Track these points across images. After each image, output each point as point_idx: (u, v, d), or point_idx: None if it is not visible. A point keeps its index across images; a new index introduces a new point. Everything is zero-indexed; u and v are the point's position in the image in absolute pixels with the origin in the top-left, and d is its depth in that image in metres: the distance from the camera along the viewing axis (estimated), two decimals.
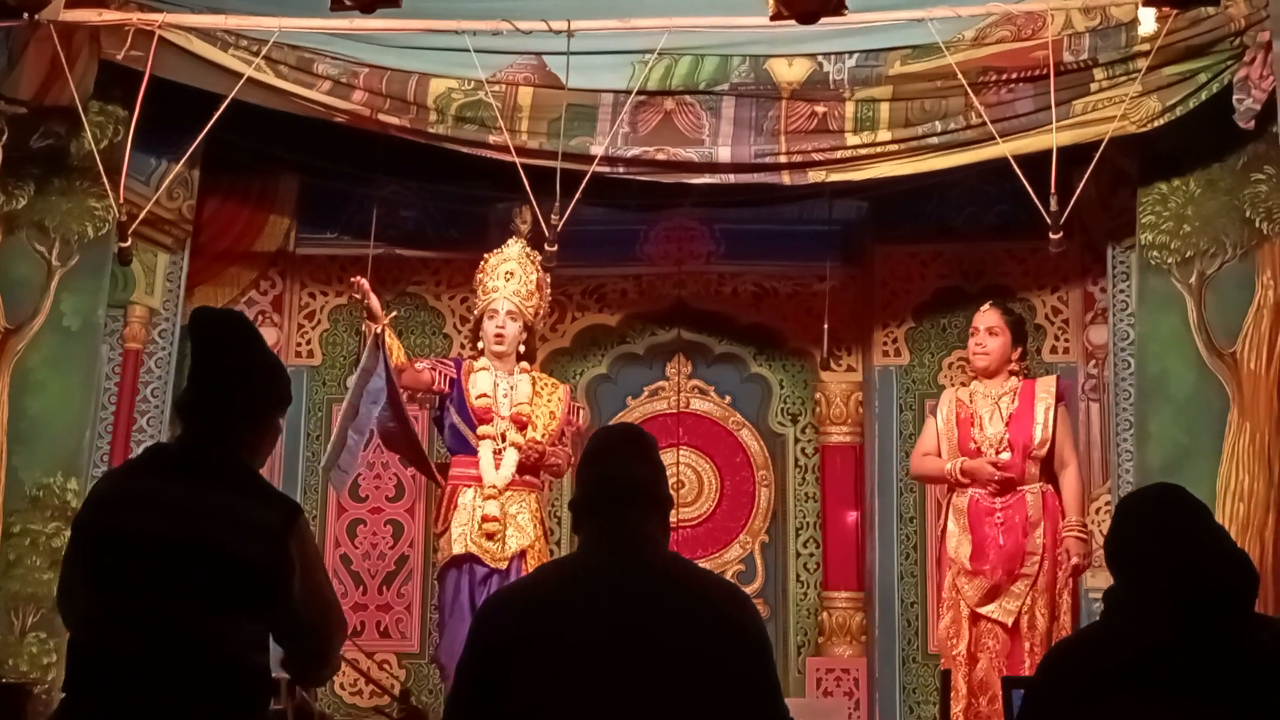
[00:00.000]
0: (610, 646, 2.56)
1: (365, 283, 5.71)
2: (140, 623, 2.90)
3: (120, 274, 6.39)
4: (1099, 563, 6.37)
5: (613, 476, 2.78)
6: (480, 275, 5.98)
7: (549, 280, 6.04)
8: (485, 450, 5.71)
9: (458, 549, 5.64)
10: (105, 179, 5.83)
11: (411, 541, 6.97)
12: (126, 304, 6.56)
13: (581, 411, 6.01)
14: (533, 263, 5.92)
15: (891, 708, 6.66)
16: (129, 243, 5.81)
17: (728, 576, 6.93)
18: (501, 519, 5.60)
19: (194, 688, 2.88)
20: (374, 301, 5.72)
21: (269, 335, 6.96)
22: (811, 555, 7.12)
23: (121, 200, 5.78)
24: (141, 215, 5.94)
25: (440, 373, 5.87)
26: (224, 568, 2.93)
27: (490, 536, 5.60)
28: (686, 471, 7.18)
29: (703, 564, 6.72)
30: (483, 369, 5.85)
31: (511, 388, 5.81)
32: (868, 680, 6.75)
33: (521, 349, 5.91)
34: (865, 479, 6.97)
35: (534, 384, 5.86)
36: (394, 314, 6.00)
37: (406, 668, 6.84)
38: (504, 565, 5.58)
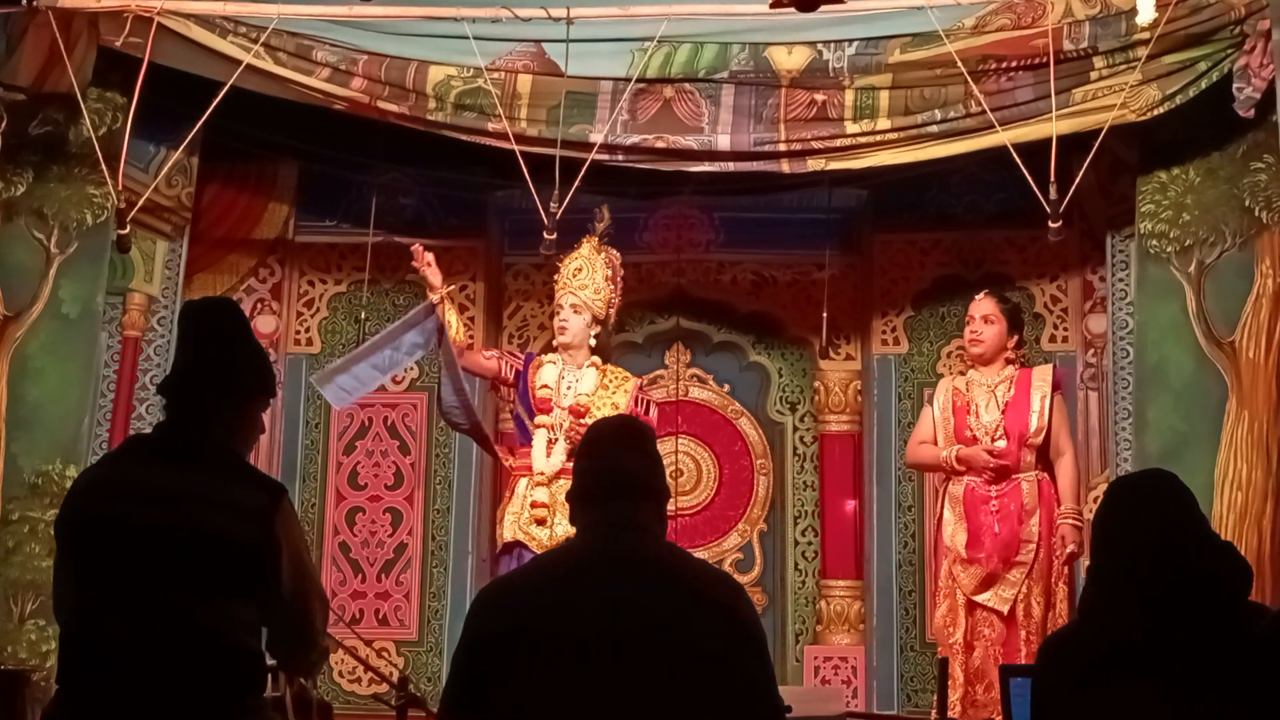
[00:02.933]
0: (603, 638, 2.55)
1: (427, 254, 5.77)
2: (131, 610, 2.90)
3: (119, 261, 6.40)
4: None
5: (606, 468, 2.77)
6: (557, 275, 6.00)
7: (621, 276, 6.02)
8: (539, 439, 5.75)
9: (507, 536, 5.70)
10: (104, 166, 5.84)
11: (410, 529, 6.96)
12: (125, 291, 6.56)
13: (653, 406, 5.97)
14: (603, 256, 5.91)
15: (889, 696, 6.67)
16: (128, 230, 5.82)
17: (726, 565, 6.95)
18: (550, 505, 5.63)
19: (188, 673, 2.88)
20: (434, 273, 5.78)
21: (268, 323, 6.98)
22: (810, 544, 7.12)
23: (120, 187, 5.79)
24: (140, 202, 5.95)
25: (507, 362, 5.92)
26: (212, 551, 2.92)
27: (539, 523, 5.63)
28: (685, 460, 7.19)
29: (701, 552, 6.75)
30: (550, 362, 5.89)
31: (577, 380, 5.83)
32: (865, 668, 6.76)
33: (593, 343, 5.90)
34: (864, 468, 6.96)
35: (602, 376, 5.86)
36: (453, 288, 6.06)
37: (405, 655, 6.84)
38: None
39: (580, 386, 5.81)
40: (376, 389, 6.89)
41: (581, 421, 5.67)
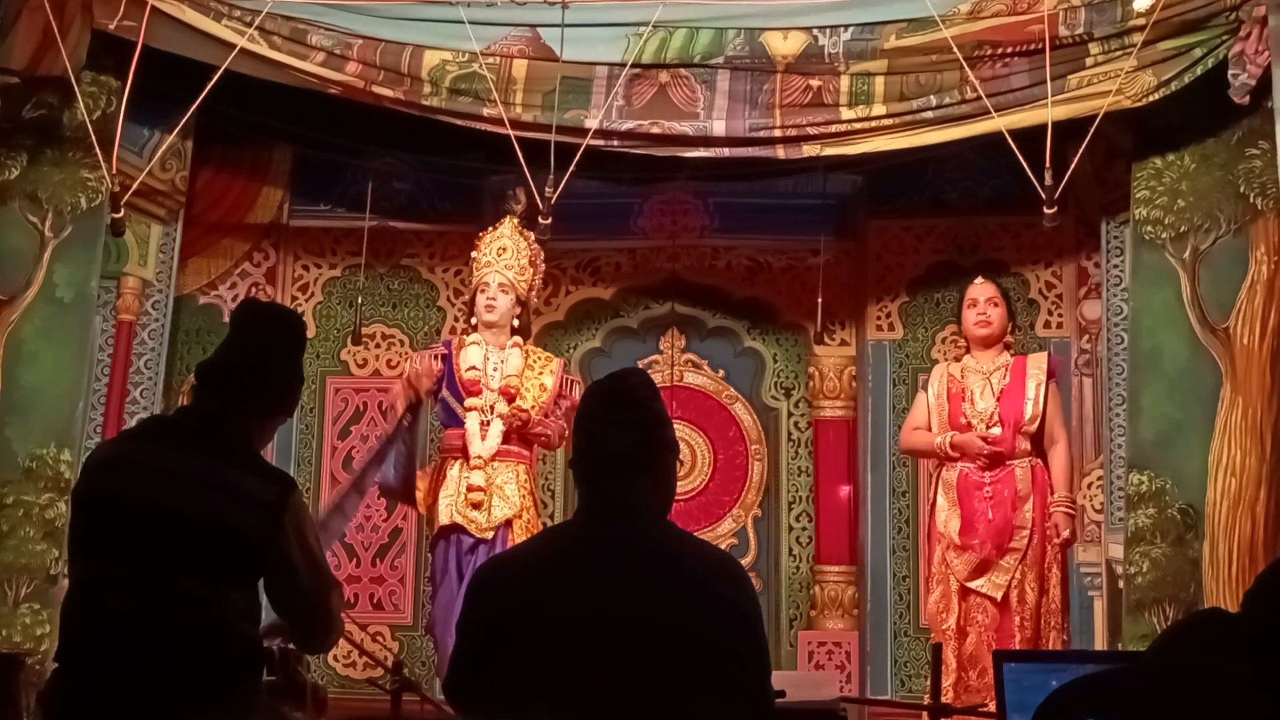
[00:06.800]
0: (594, 620, 2.55)
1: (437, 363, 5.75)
2: (133, 589, 2.92)
3: (113, 245, 6.39)
4: (1090, 537, 6.41)
5: (590, 448, 2.77)
6: (475, 252, 6.03)
7: (542, 256, 6.06)
8: (472, 421, 5.76)
9: (444, 520, 5.70)
10: (98, 150, 5.83)
11: (405, 514, 6.96)
12: (119, 275, 6.57)
13: (576, 385, 6.00)
14: (525, 239, 5.95)
15: (883, 681, 6.68)
16: (122, 214, 5.81)
17: None
18: (487, 489, 5.65)
19: (186, 655, 2.90)
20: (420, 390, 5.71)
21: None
22: (804, 529, 7.13)
23: (114, 171, 5.78)
24: (134, 186, 5.93)
25: (433, 354, 5.91)
26: (217, 537, 2.95)
27: (475, 506, 5.64)
28: (680, 445, 7.17)
29: None
30: (473, 343, 5.89)
31: (502, 361, 5.85)
32: (859, 654, 6.78)
33: (515, 323, 5.93)
34: (858, 453, 6.97)
35: (526, 357, 5.90)
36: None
37: (400, 640, 6.85)
38: (489, 535, 5.64)
39: (506, 368, 5.83)
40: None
41: (518, 406, 5.71)
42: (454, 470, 5.75)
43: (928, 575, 5.92)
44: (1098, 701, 2.38)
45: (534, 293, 6.11)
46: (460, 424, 5.79)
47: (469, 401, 5.77)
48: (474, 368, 5.81)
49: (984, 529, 5.62)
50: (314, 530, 3.19)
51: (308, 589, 3.07)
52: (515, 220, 6.03)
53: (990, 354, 5.85)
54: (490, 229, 6.05)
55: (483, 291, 5.92)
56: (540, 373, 5.91)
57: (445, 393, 5.85)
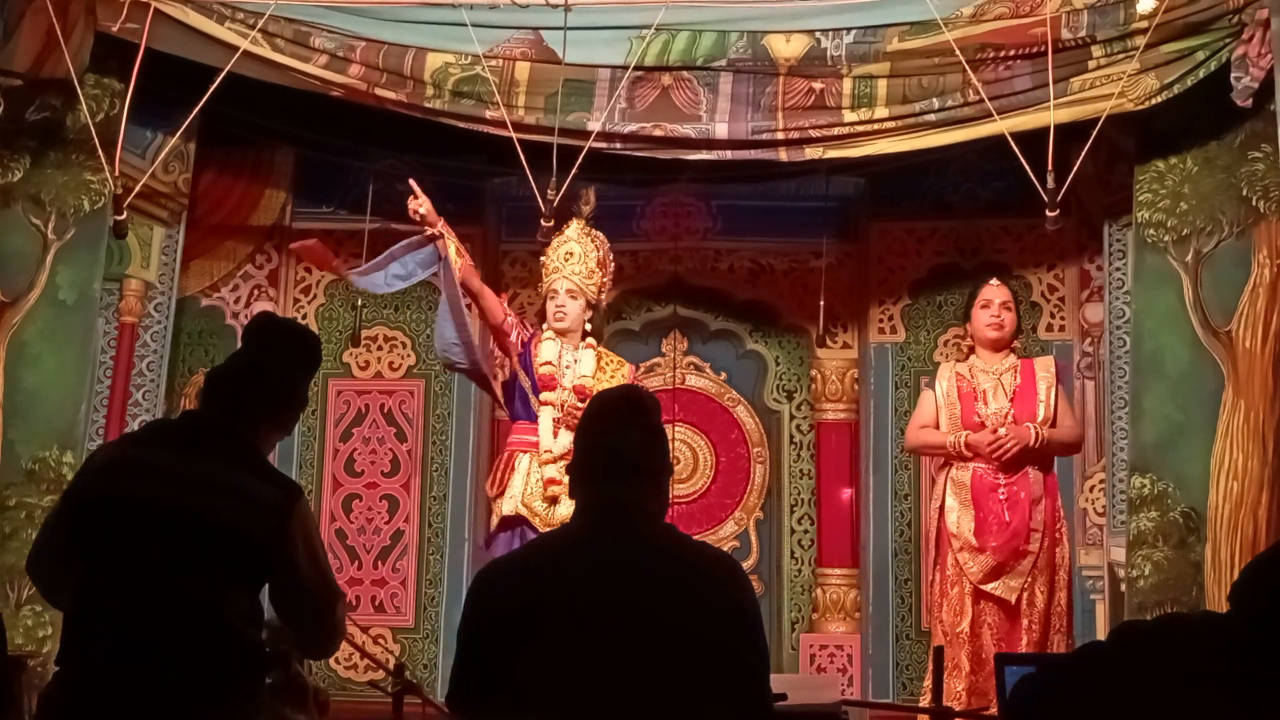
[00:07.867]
0: (595, 619, 2.55)
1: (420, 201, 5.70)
2: (135, 590, 2.92)
3: (116, 247, 6.40)
4: (1092, 540, 6.42)
5: (603, 446, 2.77)
6: (543, 258, 5.99)
7: (612, 258, 6.02)
8: (545, 416, 5.74)
9: (508, 510, 5.68)
10: (101, 152, 5.83)
11: (407, 516, 6.97)
12: (122, 277, 6.57)
13: None
14: (594, 241, 5.91)
15: (884, 684, 6.68)
16: (125, 216, 5.81)
17: None
18: (562, 483, 5.64)
19: (188, 657, 2.90)
20: (429, 208, 5.69)
21: (263, 309, 6.96)
22: (806, 532, 7.13)
23: (117, 173, 5.78)
24: (137, 188, 5.93)
25: (517, 332, 5.88)
26: (223, 541, 2.96)
27: (553, 501, 5.62)
28: (681, 448, 7.19)
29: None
30: (549, 339, 5.87)
31: (576, 360, 5.84)
32: (861, 657, 6.78)
33: (588, 327, 5.91)
34: (860, 456, 6.97)
35: (599, 360, 5.88)
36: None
37: (401, 642, 6.85)
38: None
39: (580, 368, 5.82)
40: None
41: (581, 404, 5.68)
42: (523, 464, 5.73)
43: (931, 578, 5.92)
44: (1074, 692, 2.40)
45: (604, 295, 6.05)
46: (533, 417, 5.77)
47: (544, 396, 5.75)
48: (549, 363, 5.78)
49: (1001, 530, 5.61)
50: (319, 539, 3.20)
51: (313, 596, 3.08)
52: (582, 222, 5.96)
53: (999, 355, 5.85)
54: (557, 233, 5.98)
55: (551, 299, 5.88)
56: (612, 376, 5.87)
57: (523, 378, 5.82)
